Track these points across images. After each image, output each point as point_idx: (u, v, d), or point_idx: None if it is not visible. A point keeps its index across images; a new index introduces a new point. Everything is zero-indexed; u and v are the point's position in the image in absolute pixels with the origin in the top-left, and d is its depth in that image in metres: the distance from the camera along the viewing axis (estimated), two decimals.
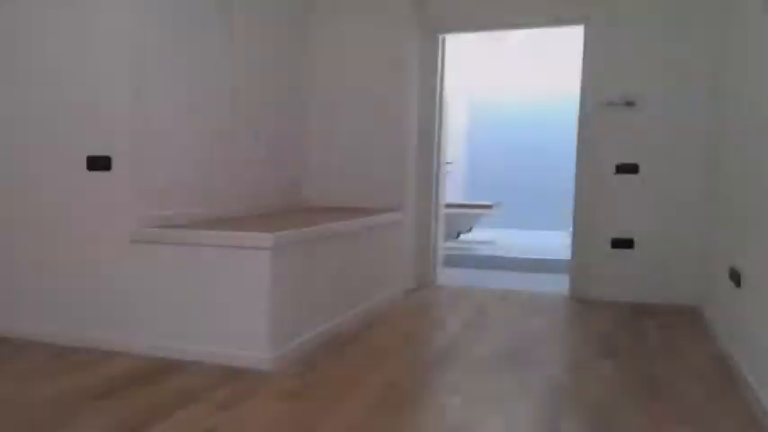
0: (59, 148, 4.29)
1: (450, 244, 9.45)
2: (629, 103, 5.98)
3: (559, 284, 6.82)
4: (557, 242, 10.09)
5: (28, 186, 4.40)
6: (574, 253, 6.31)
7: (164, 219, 4.36)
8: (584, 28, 6.16)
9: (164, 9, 4.32)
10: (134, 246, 4.17)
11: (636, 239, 6.06)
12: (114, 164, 4.16)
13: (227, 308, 3.98)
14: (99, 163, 4.19)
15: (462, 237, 10.19)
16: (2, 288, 4.51)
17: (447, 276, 7.26)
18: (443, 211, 7.02)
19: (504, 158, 12.15)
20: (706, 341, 4.76)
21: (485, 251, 9.07)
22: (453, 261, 8.35)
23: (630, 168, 6.02)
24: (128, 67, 4.08)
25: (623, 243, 6.09)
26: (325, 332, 4.59)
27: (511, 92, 12.17)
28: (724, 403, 3.48)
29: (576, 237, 6.29)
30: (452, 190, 10.43)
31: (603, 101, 6.06)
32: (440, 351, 4.37)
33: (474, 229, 10.41)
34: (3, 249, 4.50)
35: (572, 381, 3.80)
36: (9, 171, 4.44)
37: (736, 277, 4.07)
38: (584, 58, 6.18)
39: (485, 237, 10.85)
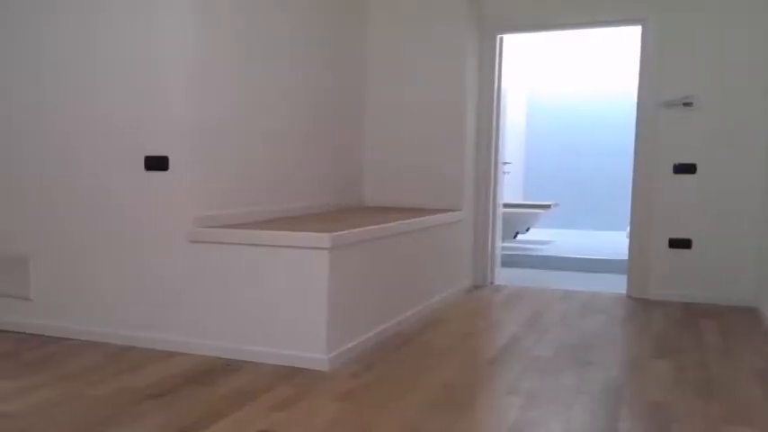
0: (117, 148, 4.31)
1: (508, 244, 9.41)
2: (687, 103, 5.90)
3: (617, 284, 6.75)
4: (614, 242, 9.98)
5: (86, 186, 4.42)
6: (631, 253, 6.23)
7: (221, 219, 4.37)
8: (642, 28, 6.09)
9: (222, 11, 4.35)
10: (192, 246, 4.18)
11: (694, 239, 5.97)
12: (172, 164, 4.17)
13: (284, 308, 3.98)
14: (156, 163, 4.21)
15: (520, 237, 10.14)
16: (60, 288, 4.55)
17: (505, 276, 7.23)
18: (501, 210, 6.99)
19: (563, 158, 12.05)
20: (765, 341, 4.67)
21: (542, 251, 9.00)
22: (511, 261, 8.31)
23: (688, 168, 5.94)
24: (186, 68, 4.10)
25: (681, 243, 6.00)
26: (383, 332, 4.59)
27: (569, 91, 12.06)
28: None
29: (633, 237, 6.21)
30: (510, 190, 10.40)
31: (661, 101, 5.99)
32: (498, 351, 4.35)
33: (532, 230, 10.35)
34: (60, 250, 4.53)
35: (630, 380, 3.75)
36: (68, 171, 4.47)
37: None
38: (641, 58, 6.11)
39: (542, 237, 10.78)
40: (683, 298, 6.05)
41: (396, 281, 4.82)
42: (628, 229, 6.37)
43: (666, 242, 6.06)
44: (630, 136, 6.18)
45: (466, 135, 6.21)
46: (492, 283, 6.81)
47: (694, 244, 5.98)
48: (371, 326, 4.45)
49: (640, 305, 5.88)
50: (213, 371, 3.82)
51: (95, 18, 4.31)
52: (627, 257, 6.31)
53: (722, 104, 5.83)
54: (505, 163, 7.01)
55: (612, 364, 4.09)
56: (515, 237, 9.61)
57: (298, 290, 3.93)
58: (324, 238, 3.85)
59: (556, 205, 9.88)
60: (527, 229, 9.67)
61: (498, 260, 6.96)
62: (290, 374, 3.77)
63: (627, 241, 6.35)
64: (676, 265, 6.05)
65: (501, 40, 6.63)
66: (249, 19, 4.60)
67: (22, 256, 4.62)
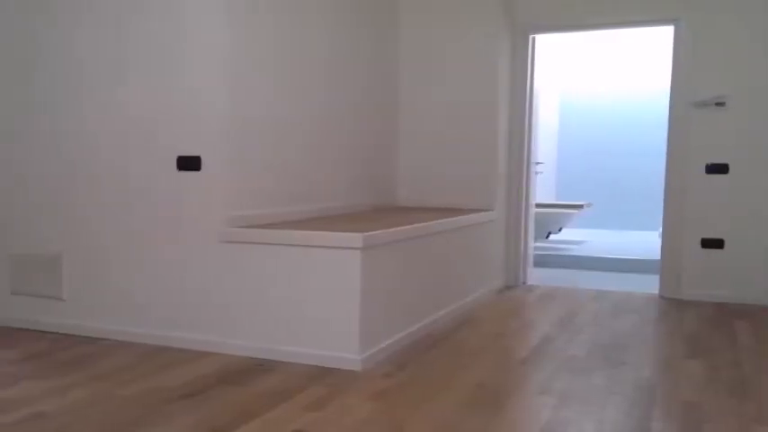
0: (150, 148, 4.32)
1: (541, 244, 9.37)
2: (720, 103, 5.85)
3: (649, 285, 6.70)
4: (647, 242, 9.91)
5: (118, 186, 4.43)
6: (664, 253, 6.19)
7: (253, 219, 4.35)
8: (674, 28, 6.04)
9: (256, 12, 4.35)
10: (224, 246, 4.18)
11: (726, 239, 5.92)
12: (204, 164, 4.17)
13: (316, 308, 3.97)
14: (189, 163, 4.21)
15: (552, 237, 10.10)
16: (92, 288, 4.57)
17: (537, 276, 7.20)
18: (534, 210, 6.97)
19: (595, 158, 11.99)
20: None
21: (575, 251, 8.96)
22: (543, 261, 8.28)
23: (721, 168, 5.88)
24: (219, 68, 4.11)
25: (713, 243, 5.95)
26: (416, 332, 4.59)
27: (602, 91, 11.99)
28: None
29: (665, 237, 6.17)
30: (543, 190, 10.36)
31: (693, 101, 5.94)
32: (531, 351, 4.34)
33: (564, 230, 10.31)
34: (93, 250, 4.55)
35: (663, 380, 3.73)
36: (100, 171, 4.47)
37: None
38: (673, 58, 6.07)
39: (575, 237, 10.73)
40: (715, 298, 5.99)
41: (428, 281, 4.82)
42: (660, 229, 6.33)
43: (699, 242, 6.01)
44: (663, 136, 6.13)
45: (498, 135, 6.19)
46: (524, 283, 6.79)
47: (726, 244, 5.92)
48: (404, 326, 4.46)
49: (673, 305, 5.84)
50: (246, 371, 3.82)
51: (128, 18, 4.32)
52: (659, 257, 6.28)
53: (755, 105, 5.77)
54: (538, 163, 6.99)
55: (645, 364, 4.06)
56: (548, 237, 9.57)
57: (330, 290, 3.93)
58: (356, 238, 3.85)
59: (588, 205, 9.82)
60: (560, 229, 9.62)
61: (531, 260, 6.94)
62: (323, 374, 3.77)
63: (659, 241, 6.31)
64: (709, 266, 6.00)
65: (533, 40, 6.60)
66: (282, 19, 4.61)
67: (55, 257, 4.64)
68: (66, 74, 4.54)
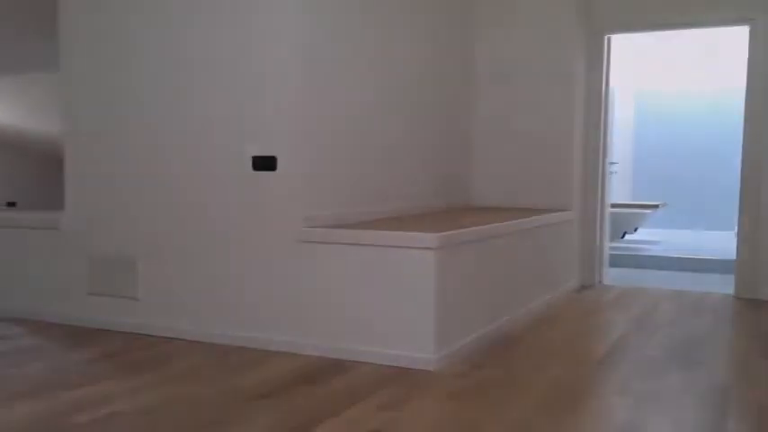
0: (225, 148, 4.33)
1: (616, 244, 9.26)
2: None
3: (725, 285, 6.57)
4: (723, 242, 9.73)
5: (194, 187, 4.46)
6: (739, 253, 6.07)
7: (328, 219, 4.32)
8: (750, 28, 5.93)
9: (332, 13, 4.36)
10: (300, 246, 4.16)
11: None
12: (280, 164, 4.18)
13: (392, 308, 3.95)
14: (264, 163, 4.21)
15: (628, 237, 9.97)
16: (167, 289, 4.58)
17: (613, 276, 7.11)
18: (609, 210, 6.89)
19: (671, 158, 11.80)
20: None
21: (651, 251, 8.83)
22: (619, 261, 8.18)
23: None
24: (295, 69, 4.11)
25: None
26: (491, 332, 4.56)
27: (678, 90, 11.80)
28: None
29: (741, 237, 6.04)
30: (619, 189, 10.23)
31: None
32: (607, 351, 4.29)
33: (640, 229, 10.17)
34: (168, 251, 4.56)
35: (738, 381, 3.66)
36: (176, 171, 4.51)
37: None
38: (749, 58, 5.95)
39: (651, 237, 10.58)
40: None
41: (504, 280, 4.80)
42: (736, 228, 6.21)
43: None
44: (739, 135, 6.02)
45: (574, 135, 6.14)
46: (600, 282, 6.72)
47: None
48: (479, 326, 4.44)
49: (749, 305, 5.71)
50: (321, 370, 3.82)
51: (206, 18, 4.35)
52: (735, 258, 6.16)
53: None
54: (613, 163, 6.91)
55: (721, 364, 3.99)
56: (623, 236, 9.46)
57: (405, 290, 3.91)
58: (431, 239, 3.84)
59: (664, 205, 9.68)
60: (635, 229, 9.50)
61: (606, 260, 6.86)
62: (398, 374, 3.76)
63: (735, 241, 6.19)
64: None
65: (609, 40, 6.53)
66: (359, 20, 4.63)
67: (131, 258, 4.68)
68: (145, 76, 4.59)
